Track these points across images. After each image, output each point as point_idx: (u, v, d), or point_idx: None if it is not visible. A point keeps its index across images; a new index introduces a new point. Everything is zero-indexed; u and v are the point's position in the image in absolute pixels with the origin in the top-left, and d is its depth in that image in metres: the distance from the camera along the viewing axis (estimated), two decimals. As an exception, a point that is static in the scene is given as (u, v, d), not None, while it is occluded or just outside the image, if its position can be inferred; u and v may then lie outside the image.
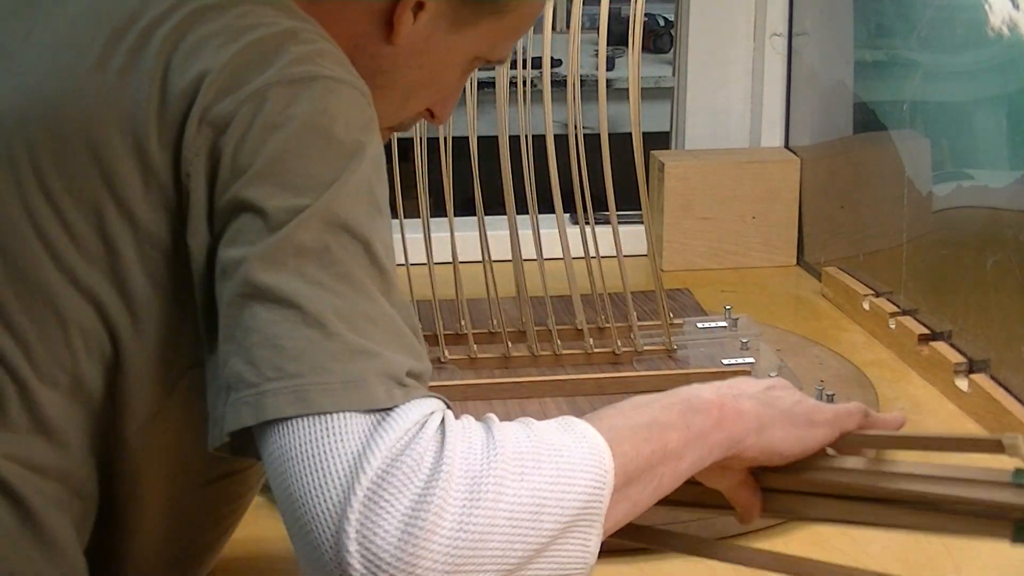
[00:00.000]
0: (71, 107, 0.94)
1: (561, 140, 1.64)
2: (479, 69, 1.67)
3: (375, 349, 0.87)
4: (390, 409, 0.85)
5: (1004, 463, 1.08)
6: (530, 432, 0.88)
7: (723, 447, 0.96)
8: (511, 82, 1.65)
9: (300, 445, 0.84)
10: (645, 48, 1.66)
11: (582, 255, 1.70)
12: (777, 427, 0.98)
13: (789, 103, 2.20)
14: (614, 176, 1.64)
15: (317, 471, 0.83)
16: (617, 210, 1.67)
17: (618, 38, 2.50)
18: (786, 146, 2.21)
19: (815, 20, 2.10)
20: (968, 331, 1.65)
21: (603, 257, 1.72)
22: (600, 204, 1.68)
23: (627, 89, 1.64)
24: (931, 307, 1.74)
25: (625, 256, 1.69)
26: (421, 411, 0.86)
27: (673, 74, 2.44)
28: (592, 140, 1.65)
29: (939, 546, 1.32)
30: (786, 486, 1.03)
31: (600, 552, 0.96)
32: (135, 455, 0.98)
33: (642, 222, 1.69)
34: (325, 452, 0.83)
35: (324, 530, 0.82)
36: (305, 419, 0.84)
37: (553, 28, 1.64)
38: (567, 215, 1.71)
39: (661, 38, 3.10)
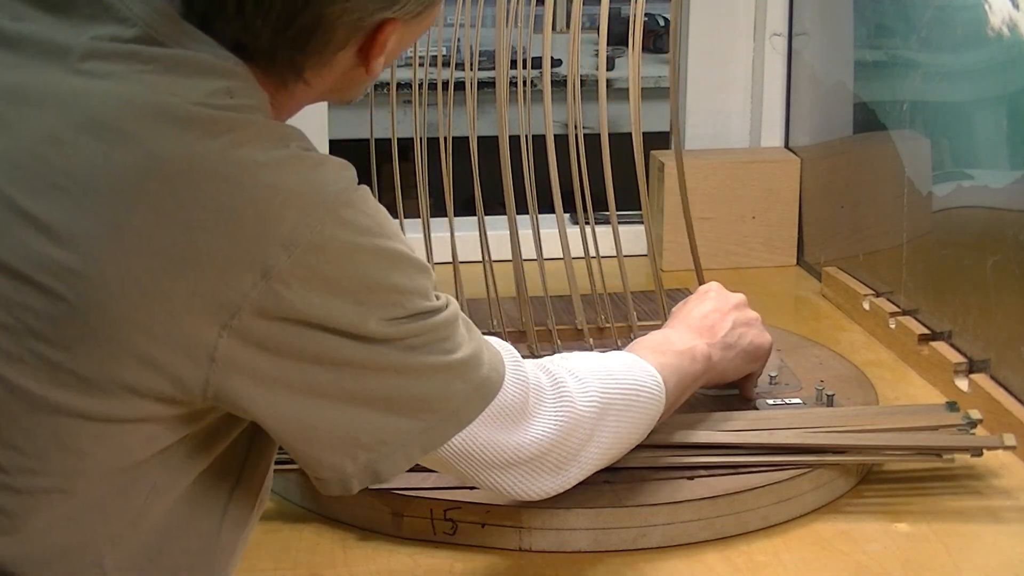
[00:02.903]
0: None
1: (561, 140, 1.64)
2: (479, 69, 1.68)
3: (471, 349, 1.07)
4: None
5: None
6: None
7: (700, 383, 1.40)
8: (511, 82, 1.65)
9: (471, 441, 1.10)
10: (645, 48, 1.66)
11: (582, 255, 1.70)
12: (731, 368, 1.45)
13: (789, 103, 2.20)
14: (614, 176, 1.64)
15: (497, 445, 1.12)
16: (617, 210, 1.67)
17: (618, 38, 2.50)
18: (786, 146, 2.21)
19: (815, 20, 2.10)
20: (968, 331, 1.65)
21: (603, 257, 1.72)
22: (600, 204, 1.68)
23: (627, 89, 1.64)
24: (931, 307, 1.74)
25: (625, 256, 1.69)
26: (516, 364, 1.14)
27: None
28: (592, 140, 1.65)
29: (939, 546, 1.32)
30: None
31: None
32: None
33: (642, 222, 1.69)
34: (496, 431, 1.11)
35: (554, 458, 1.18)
36: (467, 428, 1.09)
37: (553, 28, 1.64)
38: (567, 215, 1.71)
39: (661, 38, 3.10)
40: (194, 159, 0.93)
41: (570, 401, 1.18)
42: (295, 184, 0.95)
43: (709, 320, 1.43)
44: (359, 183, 1.00)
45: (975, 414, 1.44)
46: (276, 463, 1.36)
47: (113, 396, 0.94)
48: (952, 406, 1.47)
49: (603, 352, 1.33)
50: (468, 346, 1.07)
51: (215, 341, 0.94)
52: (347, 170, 1.00)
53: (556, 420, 1.17)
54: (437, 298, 1.05)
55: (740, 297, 1.48)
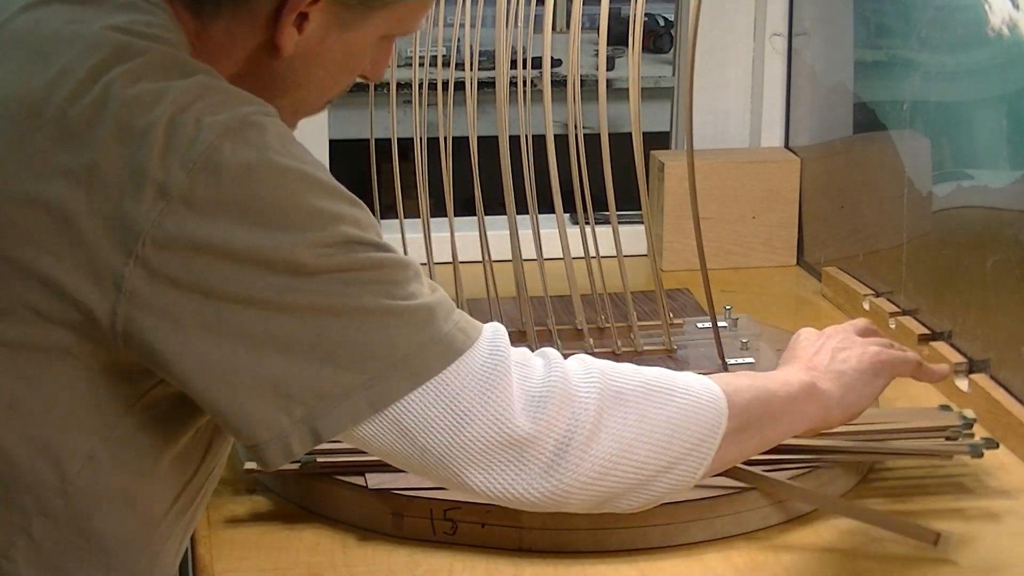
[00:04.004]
0: None
1: (561, 140, 1.64)
2: (479, 69, 1.68)
3: (428, 301, 0.97)
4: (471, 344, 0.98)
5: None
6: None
7: (813, 418, 1.16)
8: (511, 82, 1.64)
9: (433, 407, 0.95)
10: (645, 48, 1.66)
11: (582, 255, 1.70)
12: (853, 392, 1.20)
13: (789, 103, 2.20)
14: (614, 176, 1.64)
15: (466, 418, 0.96)
16: (617, 210, 1.67)
17: (618, 38, 2.50)
18: (786, 146, 2.21)
19: (815, 20, 2.10)
20: (968, 331, 1.65)
21: (603, 257, 1.72)
22: (600, 204, 1.68)
23: (627, 89, 1.64)
24: (931, 307, 1.74)
25: (625, 256, 1.69)
26: (495, 333, 1.00)
27: (673, 74, 2.44)
28: (592, 140, 1.65)
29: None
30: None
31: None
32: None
33: (642, 222, 1.69)
34: (464, 400, 0.96)
35: (511, 458, 0.97)
36: (424, 387, 0.95)
37: (553, 28, 1.64)
38: (567, 215, 1.70)
39: (661, 38, 3.09)
40: (101, 79, 0.93)
41: (562, 378, 1.00)
42: (199, 105, 0.93)
43: (805, 358, 1.23)
44: (278, 122, 0.96)
45: (969, 413, 1.45)
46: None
47: (18, 318, 0.93)
48: (945, 409, 1.47)
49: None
50: (426, 299, 0.97)
51: (122, 269, 0.91)
52: (260, 104, 0.96)
53: (542, 398, 0.99)
54: (385, 243, 0.98)
55: (838, 327, 1.29)
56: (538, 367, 1.01)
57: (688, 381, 1.06)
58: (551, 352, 1.03)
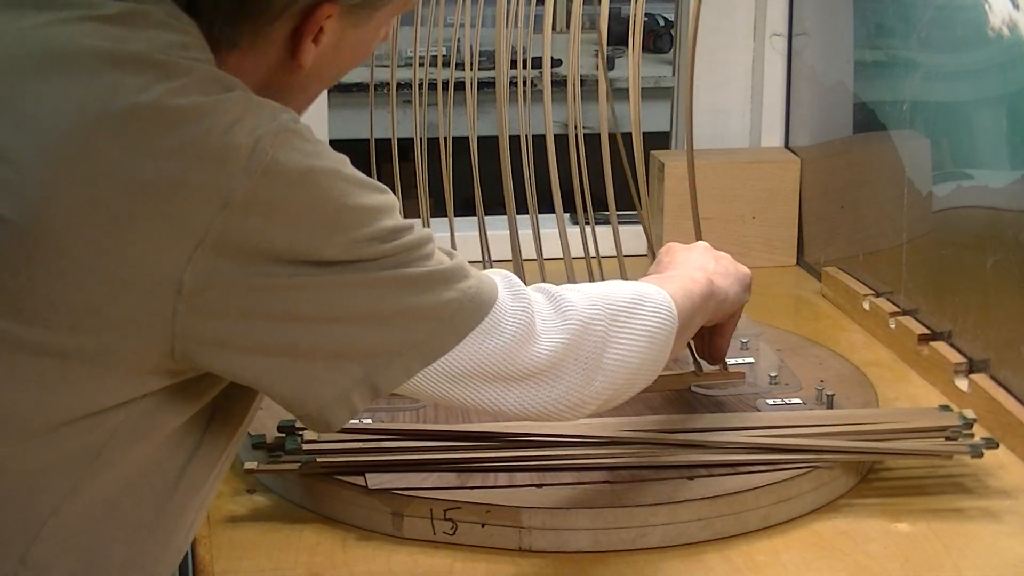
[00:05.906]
0: None
1: (561, 140, 1.64)
2: (479, 69, 1.68)
3: (455, 262, 1.07)
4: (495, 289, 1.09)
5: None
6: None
7: (710, 313, 1.34)
8: (511, 82, 1.65)
9: (475, 354, 1.06)
10: (645, 48, 1.66)
11: (582, 255, 1.70)
12: (732, 294, 1.39)
13: (789, 103, 2.20)
14: (614, 176, 1.64)
15: (501, 356, 1.07)
16: (617, 210, 1.67)
17: (618, 38, 2.50)
18: (786, 146, 2.21)
19: (815, 20, 2.10)
20: (968, 331, 1.65)
21: (603, 257, 1.72)
22: (600, 204, 1.68)
23: (627, 89, 1.64)
24: (931, 307, 1.74)
25: (625, 256, 1.69)
26: (508, 278, 1.11)
27: (673, 74, 2.44)
28: (592, 140, 1.65)
29: (939, 546, 1.32)
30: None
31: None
32: None
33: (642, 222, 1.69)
34: (499, 342, 1.07)
35: (564, 372, 1.11)
36: (467, 339, 1.05)
37: (553, 28, 1.64)
38: (567, 215, 1.70)
39: (661, 38, 3.10)
40: (155, 94, 0.96)
41: (572, 307, 1.13)
42: (247, 119, 0.97)
43: (697, 262, 1.38)
44: None
45: (969, 413, 1.45)
46: (274, 462, 1.37)
47: (64, 326, 0.95)
48: (945, 409, 1.48)
49: None
50: (451, 261, 1.07)
51: (181, 276, 0.95)
52: (286, 109, 1.01)
53: (563, 326, 1.12)
54: (405, 218, 1.06)
55: (702, 243, 1.45)
56: (543, 302, 1.13)
57: (648, 290, 1.21)
58: (549, 286, 1.15)
